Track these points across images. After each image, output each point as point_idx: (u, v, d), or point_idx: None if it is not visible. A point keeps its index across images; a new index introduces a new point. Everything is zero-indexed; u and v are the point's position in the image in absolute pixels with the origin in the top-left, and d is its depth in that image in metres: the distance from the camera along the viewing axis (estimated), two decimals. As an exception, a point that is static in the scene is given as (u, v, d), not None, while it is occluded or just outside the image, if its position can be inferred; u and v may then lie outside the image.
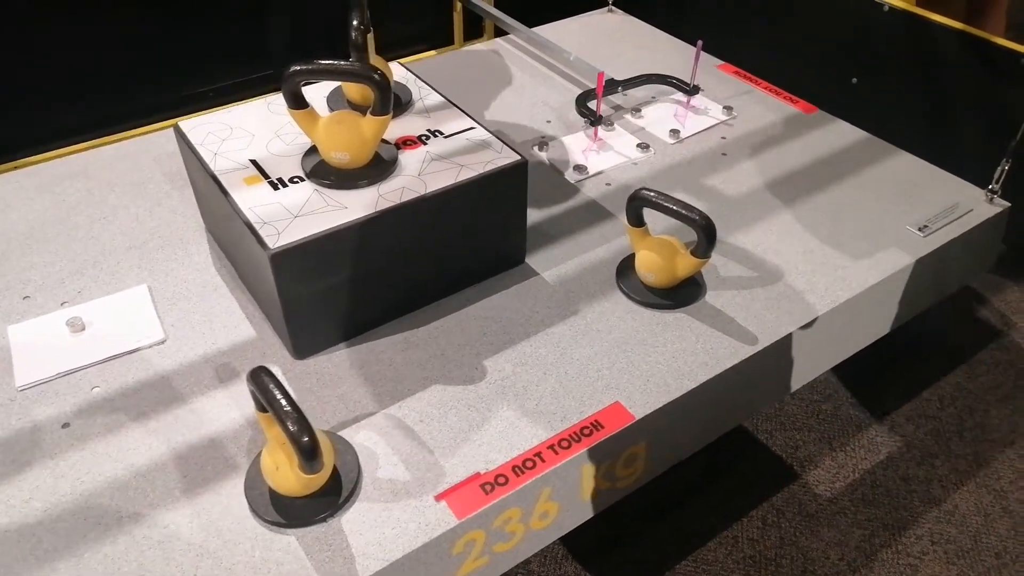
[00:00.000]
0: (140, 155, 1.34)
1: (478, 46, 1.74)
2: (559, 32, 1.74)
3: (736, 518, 1.20)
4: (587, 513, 0.95)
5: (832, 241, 1.18)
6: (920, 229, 1.20)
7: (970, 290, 1.60)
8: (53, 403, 0.92)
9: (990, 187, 1.24)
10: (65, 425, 0.90)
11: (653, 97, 1.52)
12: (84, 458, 0.87)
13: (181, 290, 1.08)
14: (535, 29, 1.73)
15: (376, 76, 0.90)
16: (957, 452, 1.30)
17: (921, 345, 1.48)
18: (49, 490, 0.83)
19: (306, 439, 0.73)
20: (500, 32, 1.81)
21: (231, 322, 1.03)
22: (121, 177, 1.29)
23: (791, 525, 1.19)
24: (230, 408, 0.92)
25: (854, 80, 1.81)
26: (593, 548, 1.17)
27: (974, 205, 1.25)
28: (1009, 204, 1.25)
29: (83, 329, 1.01)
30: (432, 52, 2.14)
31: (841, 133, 1.43)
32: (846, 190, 1.29)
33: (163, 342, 1.00)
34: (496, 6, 1.90)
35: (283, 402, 0.75)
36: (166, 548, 0.78)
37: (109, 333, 1.01)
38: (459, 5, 2.13)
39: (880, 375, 1.43)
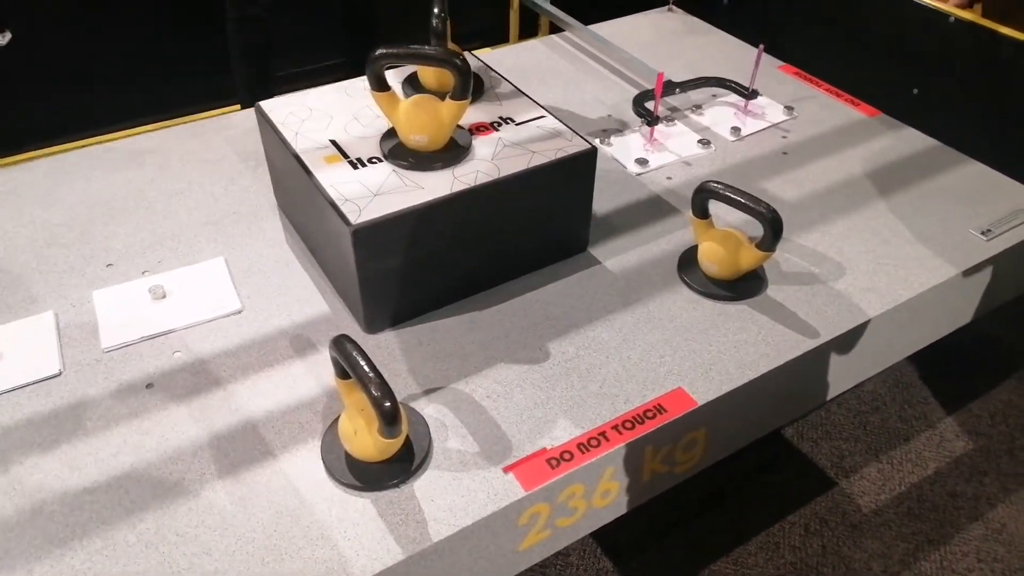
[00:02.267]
0: (212, 134, 1.38)
1: (532, 42, 1.76)
2: (617, 30, 1.75)
3: (778, 524, 1.21)
4: (646, 495, 0.97)
5: (894, 242, 1.19)
6: (983, 233, 1.20)
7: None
8: (137, 365, 0.97)
9: (1055, 194, 1.24)
10: (149, 386, 0.94)
11: (714, 96, 1.53)
12: (167, 417, 0.91)
13: (256, 264, 1.12)
14: (591, 27, 1.74)
15: (458, 61, 0.93)
16: (1007, 471, 1.29)
17: (972, 360, 1.47)
18: (135, 445, 0.87)
19: (388, 404, 0.76)
20: (555, 30, 1.83)
21: (304, 296, 1.07)
22: (195, 154, 1.33)
23: (834, 534, 1.19)
24: (305, 376, 0.96)
25: (915, 91, 1.80)
26: (633, 544, 1.19)
27: (1038, 211, 1.24)
28: (1074, 212, 1.24)
29: (164, 297, 1.05)
30: (487, 49, 2.19)
31: (904, 137, 1.43)
32: (908, 193, 1.29)
33: (240, 312, 1.04)
34: (553, 3, 1.92)
35: (366, 368, 0.78)
36: (247, 505, 0.82)
37: (189, 301, 1.05)
38: (516, 2, 2.15)
39: (930, 388, 1.42)
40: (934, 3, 1.68)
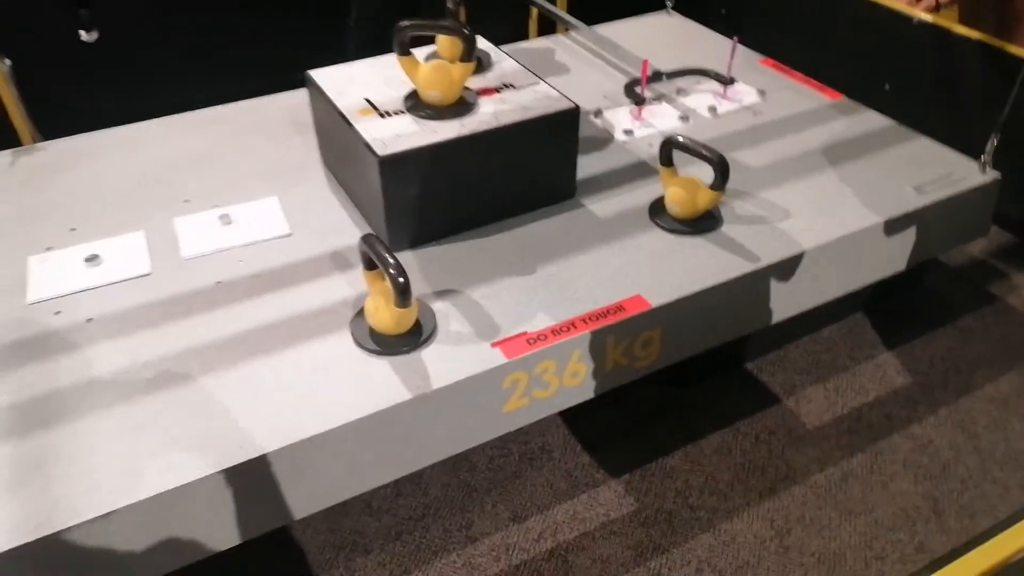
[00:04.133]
0: (270, 107, 1.65)
1: (542, 39, 2.00)
2: (618, 32, 1.98)
3: (732, 433, 1.41)
4: (609, 384, 1.19)
5: (837, 195, 1.40)
6: (915, 189, 1.41)
7: (972, 272, 1.77)
8: (210, 270, 1.22)
9: (981, 157, 1.44)
10: (218, 283, 1.20)
11: (698, 83, 1.76)
12: (232, 307, 1.16)
13: (302, 202, 1.37)
14: (594, 27, 1.98)
15: (465, 30, 1.18)
16: (940, 400, 1.47)
17: (921, 316, 1.66)
18: (207, 325, 1.13)
19: (402, 279, 1.00)
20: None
21: (340, 226, 1.32)
22: (256, 123, 1.60)
23: (780, 443, 1.39)
24: (340, 281, 1.20)
25: (886, 87, 2.00)
26: (605, 441, 1.39)
27: (968, 174, 1.45)
28: (999, 175, 1.44)
29: (230, 223, 1.31)
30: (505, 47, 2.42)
31: (861, 116, 1.64)
32: (858, 160, 1.50)
33: (289, 235, 1.30)
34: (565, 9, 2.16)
35: (387, 255, 1.02)
36: (292, 365, 1.06)
37: (250, 227, 1.31)
38: (535, 11, 2.40)
39: (880, 336, 1.61)
40: (903, 9, 1.89)
